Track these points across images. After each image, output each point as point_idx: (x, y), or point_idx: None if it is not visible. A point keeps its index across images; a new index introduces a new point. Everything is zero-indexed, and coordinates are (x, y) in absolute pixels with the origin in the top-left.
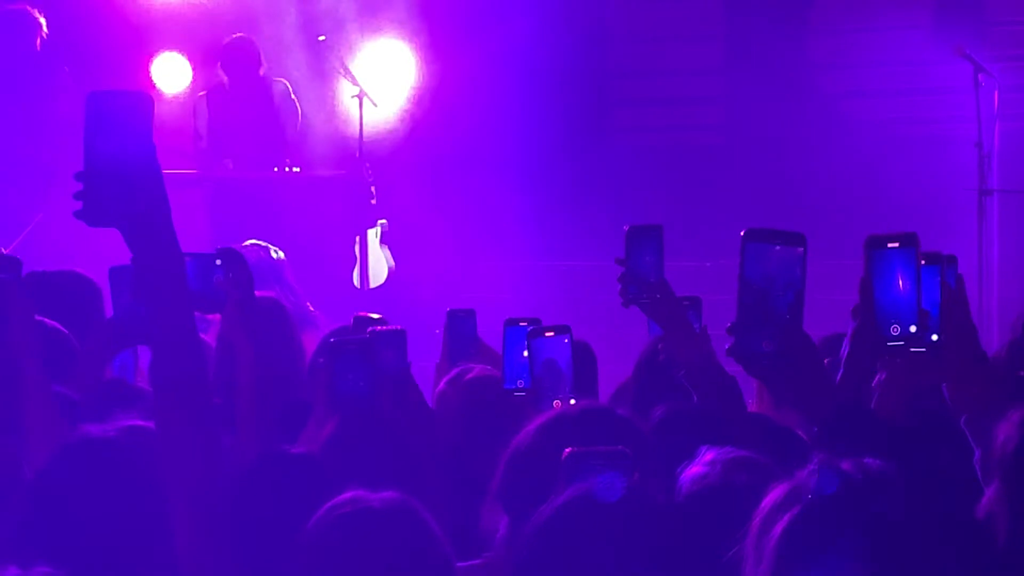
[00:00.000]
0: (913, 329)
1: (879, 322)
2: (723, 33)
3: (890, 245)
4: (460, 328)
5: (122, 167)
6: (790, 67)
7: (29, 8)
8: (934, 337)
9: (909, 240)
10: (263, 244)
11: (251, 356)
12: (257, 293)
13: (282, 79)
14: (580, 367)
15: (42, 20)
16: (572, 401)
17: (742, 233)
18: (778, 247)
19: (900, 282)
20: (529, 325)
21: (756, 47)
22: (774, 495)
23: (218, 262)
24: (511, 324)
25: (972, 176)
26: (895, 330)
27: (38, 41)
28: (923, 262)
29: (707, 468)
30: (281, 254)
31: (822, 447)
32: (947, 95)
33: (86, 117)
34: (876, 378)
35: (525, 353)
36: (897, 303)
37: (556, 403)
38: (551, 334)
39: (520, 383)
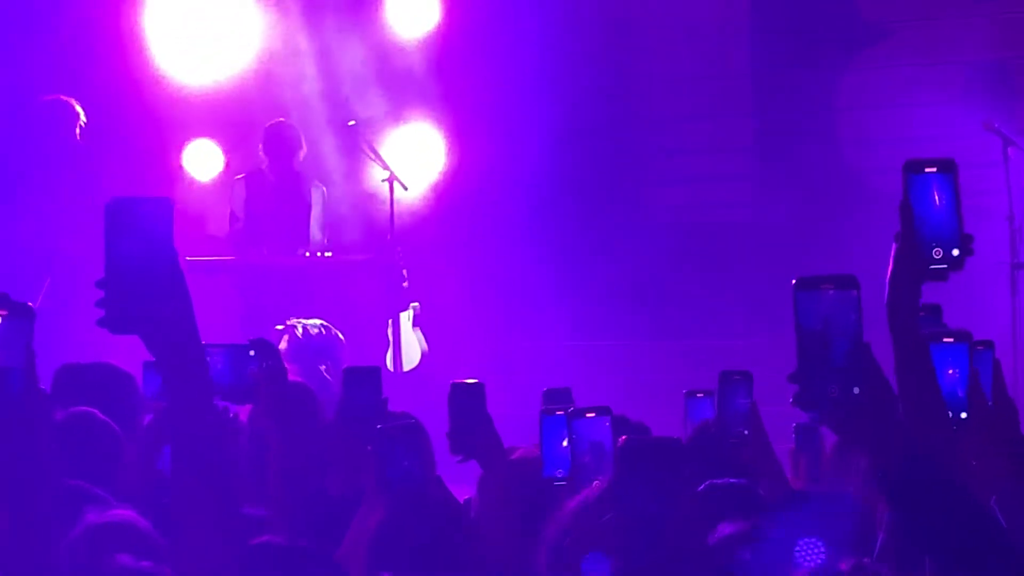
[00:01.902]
0: (956, 252)
1: (920, 245)
2: (752, 111)
3: (928, 169)
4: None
5: (144, 273)
6: (818, 144)
7: (68, 99)
8: (963, 415)
9: (947, 165)
10: (293, 323)
11: (283, 447)
12: (291, 378)
13: (321, 185)
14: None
15: (81, 111)
16: None
17: (793, 282)
18: (831, 292)
19: (940, 205)
20: (565, 413)
21: (784, 125)
22: None
23: (252, 352)
24: (548, 413)
25: (1004, 249)
26: (937, 253)
27: (77, 131)
28: (951, 340)
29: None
30: (315, 329)
31: (886, 498)
32: (977, 169)
33: (106, 223)
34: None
35: (565, 443)
36: (938, 226)
37: (596, 483)
38: (592, 415)
39: (559, 472)
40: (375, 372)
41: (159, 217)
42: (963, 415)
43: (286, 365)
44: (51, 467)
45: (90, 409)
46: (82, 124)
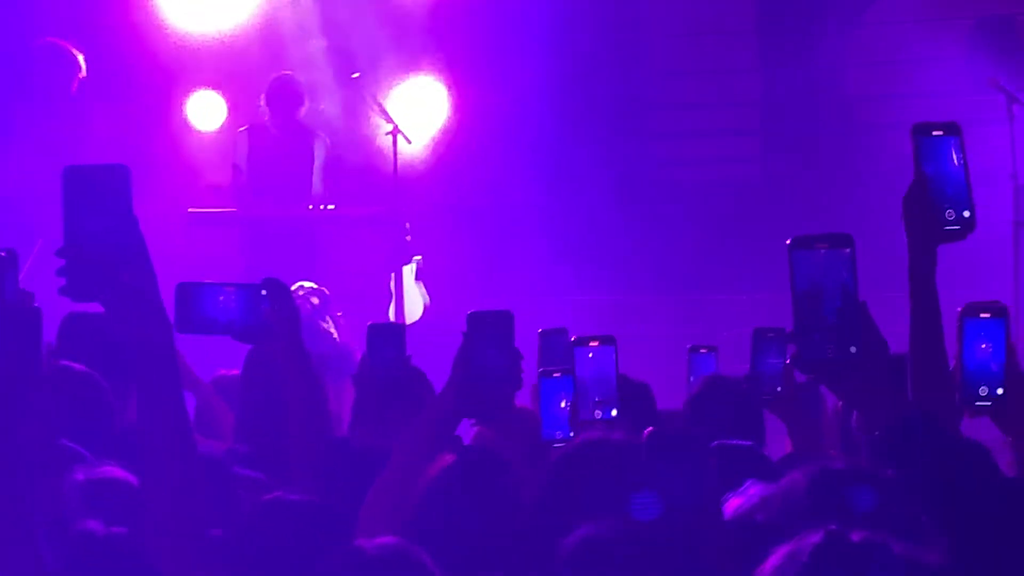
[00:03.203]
0: (967, 214)
1: (935, 205)
2: (758, 67)
3: (935, 132)
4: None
5: (103, 241)
6: (824, 99)
7: (69, 47)
8: (999, 391)
9: (953, 128)
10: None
11: (303, 388)
12: None
13: (325, 137)
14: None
15: (82, 60)
16: (614, 412)
17: (787, 242)
18: (824, 251)
19: (949, 167)
20: (564, 375)
21: (790, 79)
22: (773, 559)
23: (264, 292)
24: (546, 375)
25: (1007, 208)
26: (950, 215)
27: (75, 84)
28: (988, 315)
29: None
30: (315, 299)
31: (882, 456)
32: (981, 126)
33: (63, 193)
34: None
35: (563, 404)
36: (949, 188)
37: (597, 413)
38: (596, 344)
39: (558, 434)
40: (399, 329)
41: (116, 184)
42: (999, 391)
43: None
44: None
45: (85, 369)
46: (81, 76)
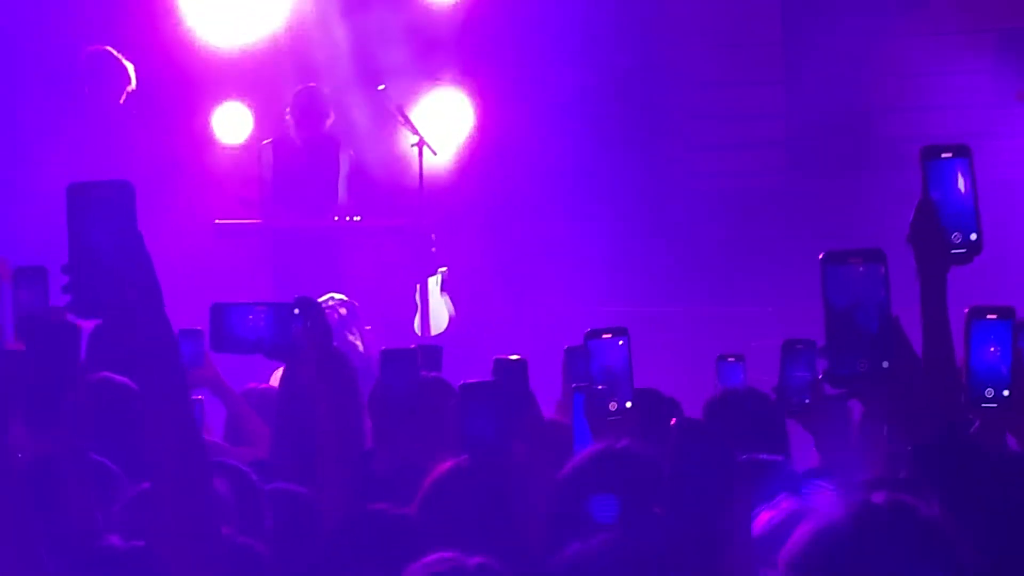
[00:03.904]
0: (974, 237)
1: (943, 228)
2: (784, 77)
3: (944, 155)
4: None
5: (108, 257)
6: (849, 111)
7: (124, 61)
8: (1005, 393)
9: (962, 150)
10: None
11: (334, 406)
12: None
13: (350, 149)
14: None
15: (132, 76)
16: (628, 404)
17: (820, 256)
18: (859, 267)
19: (957, 191)
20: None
21: (817, 90)
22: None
23: (296, 311)
24: (580, 390)
25: None
26: (956, 238)
27: (124, 94)
28: (995, 316)
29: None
30: (343, 310)
31: (918, 472)
32: (1009, 140)
33: (68, 210)
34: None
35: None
36: (956, 211)
37: (612, 405)
38: (608, 336)
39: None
40: (412, 354)
41: (121, 201)
42: (1005, 392)
43: None
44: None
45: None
46: (130, 88)
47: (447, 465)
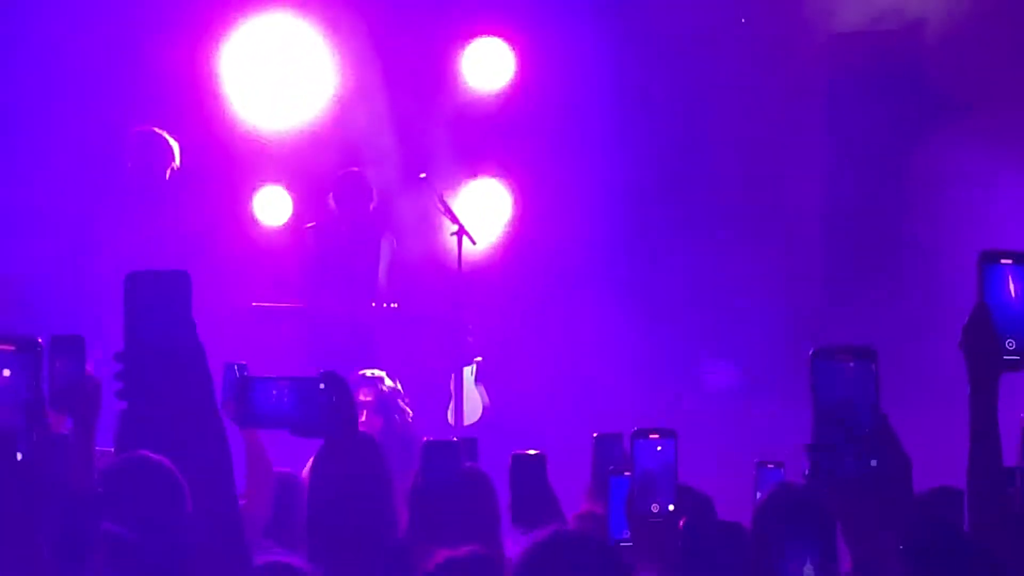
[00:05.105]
0: None
1: (997, 335)
2: (822, 177)
3: (1003, 261)
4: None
5: (162, 346)
6: (888, 216)
7: (169, 139)
8: None
9: (1019, 257)
10: (376, 374)
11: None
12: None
13: (391, 236)
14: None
15: (177, 154)
16: (671, 507)
17: (811, 352)
18: (849, 364)
19: (1013, 297)
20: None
21: (855, 194)
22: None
23: (322, 386)
24: (616, 473)
25: None
26: (1010, 344)
27: (168, 172)
28: None
29: None
30: (390, 383)
31: (911, 570)
32: None
33: (125, 297)
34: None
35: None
36: (1012, 318)
37: (653, 507)
38: (655, 436)
39: (627, 534)
40: (454, 447)
41: (178, 291)
42: None
43: (374, 417)
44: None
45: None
46: (175, 166)
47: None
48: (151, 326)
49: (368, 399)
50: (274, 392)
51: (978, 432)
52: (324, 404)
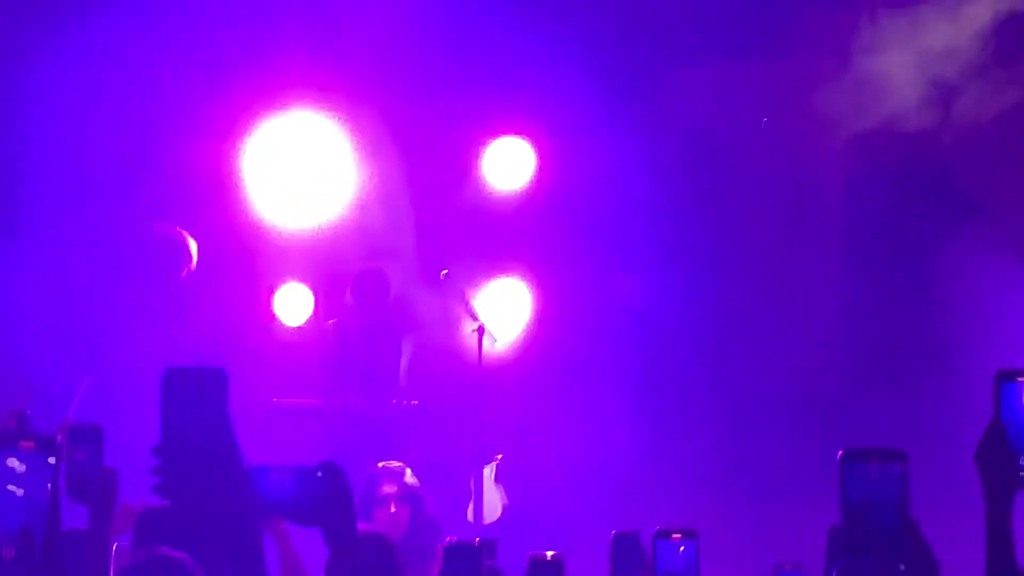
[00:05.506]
0: None
1: (1012, 452)
2: (841, 276)
3: (1020, 379)
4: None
5: (199, 442)
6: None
7: (187, 239)
8: None
9: None
10: (398, 466)
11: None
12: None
13: (411, 333)
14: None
15: (194, 255)
16: None
17: (839, 454)
18: (877, 466)
19: None
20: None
21: (875, 297)
22: None
23: (319, 475)
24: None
25: None
26: None
27: (185, 272)
28: None
29: None
30: (412, 478)
31: None
32: None
33: (163, 393)
34: None
35: None
36: None
37: None
38: (677, 537)
39: None
40: (476, 550)
41: (214, 387)
42: None
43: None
44: None
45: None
46: (192, 266)
47: None
48: (187, 421)
49: (392, 490)
50: (274, 480)
51: (994, 544)
52: (322, 493)
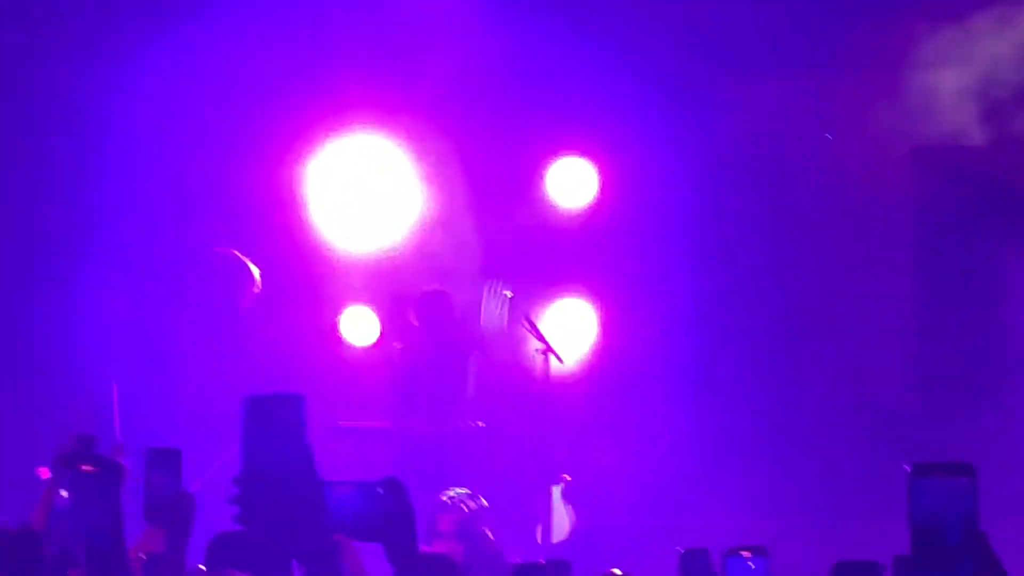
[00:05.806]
0: None
1: None
2: (911, 292)
3: None
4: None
5: (279, 470)
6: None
7: (251, 266)
8: None
9: None
10: (457, 496)
11: None
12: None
13: (477, 353)
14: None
15: (257, 275)
16: None
17: (907, 469)
18: (945, 480)
19: None
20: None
21: (943, 310)
22: None
23: (380, 491)
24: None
25: None
26: None
27: (249, 297)
28: None
29: None
30: (473, 504)
31: None
32: None
33: (243, 420)
34: None
35: None
36: None
37: None
38: (747, 554)
39: None
40: (542, 571)
41: (293, 414)
42: None
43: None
44: None
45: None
46: (256, 290)
47: None
48: (267, 449)
49: (448, 528)
50: (337, 496)
51: None
52: (384, 509)
